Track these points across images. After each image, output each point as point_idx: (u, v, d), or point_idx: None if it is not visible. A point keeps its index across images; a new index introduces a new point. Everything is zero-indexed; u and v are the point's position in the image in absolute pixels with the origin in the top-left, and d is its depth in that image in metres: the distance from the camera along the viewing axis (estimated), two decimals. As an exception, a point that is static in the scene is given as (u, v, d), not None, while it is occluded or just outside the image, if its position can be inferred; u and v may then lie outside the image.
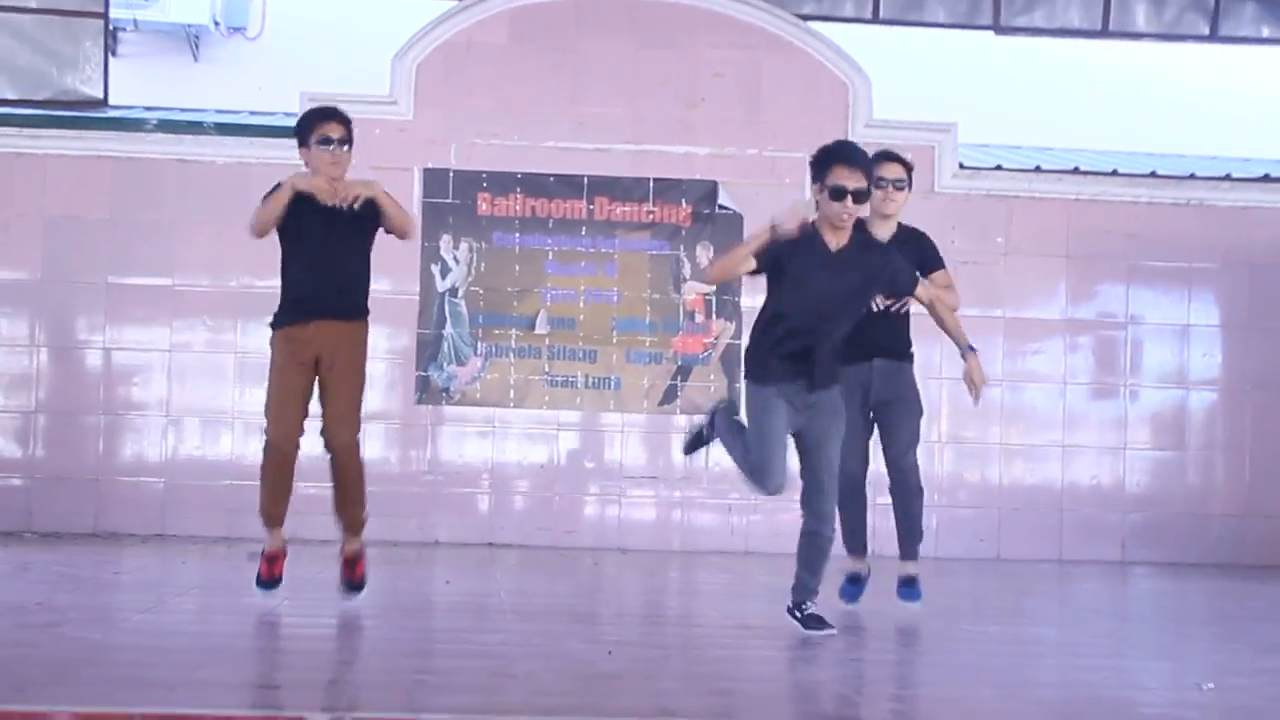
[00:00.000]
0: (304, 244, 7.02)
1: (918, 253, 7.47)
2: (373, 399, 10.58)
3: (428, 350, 10.74)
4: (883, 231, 7.42)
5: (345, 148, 6.98)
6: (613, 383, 10.91)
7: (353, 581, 7.29)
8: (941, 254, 7.65)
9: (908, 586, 7.54)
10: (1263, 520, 11.24)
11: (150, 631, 6.55)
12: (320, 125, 6.98)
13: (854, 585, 7.65)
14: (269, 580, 7.22)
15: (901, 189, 7.52)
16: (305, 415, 7.03)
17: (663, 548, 10.75)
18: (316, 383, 7.05)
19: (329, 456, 7.10)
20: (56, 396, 10.74)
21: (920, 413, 7.63)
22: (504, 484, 10.89)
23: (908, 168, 7.58)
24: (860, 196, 6.52)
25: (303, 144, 7.03)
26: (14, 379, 10.72)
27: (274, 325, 7.13)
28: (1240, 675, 6.32)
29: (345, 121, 7.02)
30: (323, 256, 7.00)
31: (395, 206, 7.05)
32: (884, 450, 7.57)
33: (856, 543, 7.60)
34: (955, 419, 11.05)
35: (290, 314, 7.05)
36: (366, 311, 7.18)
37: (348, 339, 7.06)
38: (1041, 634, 7.56)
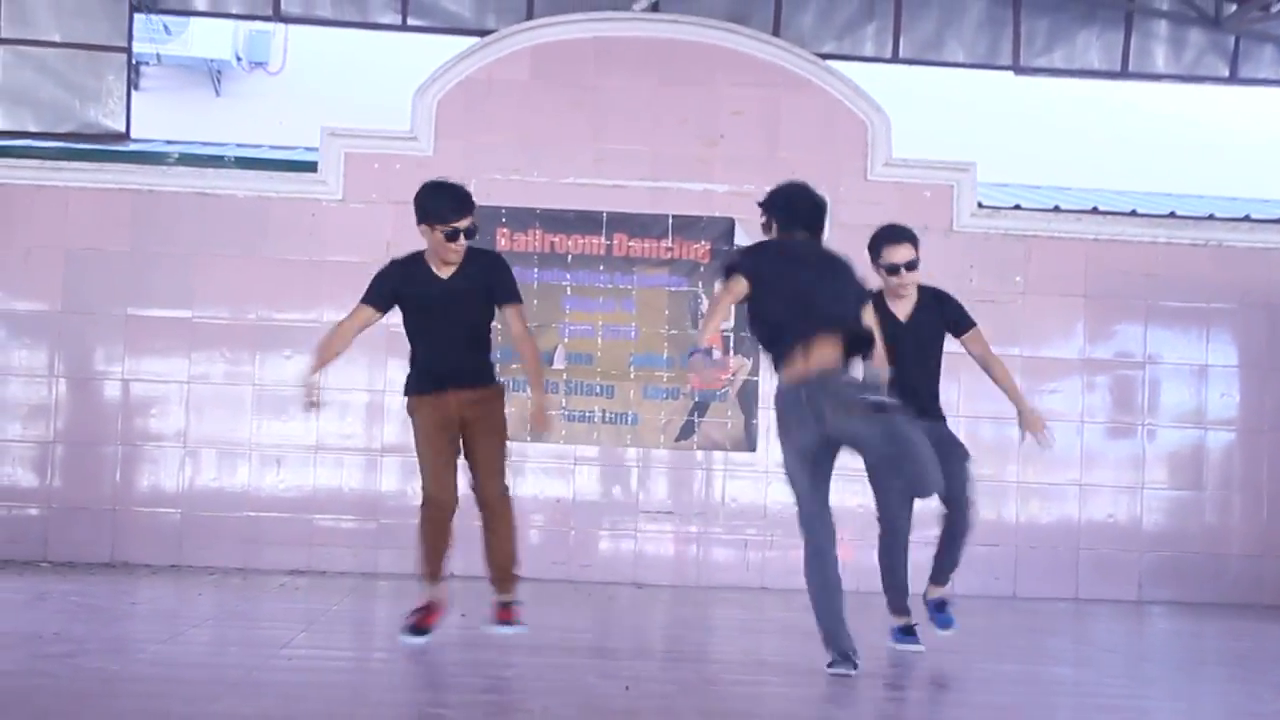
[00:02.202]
0: (428, 319, 7.21)
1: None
2: (389, 433, 10.66)
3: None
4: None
5: (468, 240, 7.17)
6: (630, 418, 10.92)
7: (508, 621, 7.37)
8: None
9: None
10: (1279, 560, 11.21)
11: (167, 663, 6.56)
12: (454, 218, 7.09)
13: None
14: (421, 629, 7.28)
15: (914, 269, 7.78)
16: (457, 472, 7.24)
17: (678, 583, 10.74)
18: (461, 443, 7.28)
19: (482, 511, 7.28)
20: (74, 427, 10.77)
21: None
22: (520, 518, 10.73)
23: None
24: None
25: (427, 222, 7.14)
26: (32, 409, 10.76)
27: (411, 392, 7.28)
28: (1257, 717, 6.31)
29: (474, 210, 7.20)
30: (447, 331, 7.20)
31: (537, 366, 7.42)
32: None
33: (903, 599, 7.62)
34: (974, 457, 11.02)
35: (427, 384, 7.21)
36: (495, 376, 7.41)
37: (483, 402, 7.24)
38: (1058, 673, 7.54)
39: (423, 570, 7.34)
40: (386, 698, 6.05)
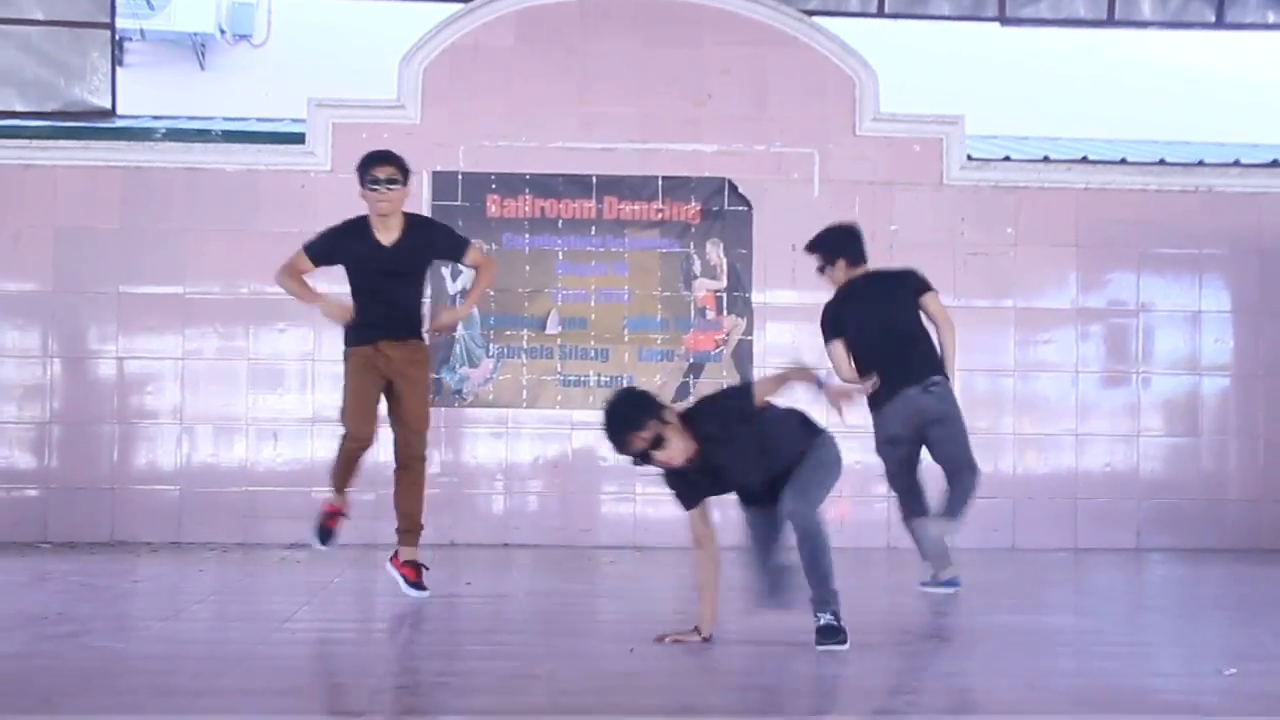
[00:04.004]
0: (368, 281, 7.69)
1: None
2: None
3: (440, 353, 10.73)
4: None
5: (393, 187, 7.58)
6: (625, 381, 10.92)
7: (415, 582, 7.77)
8: None
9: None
10: (1277, 505, 11.22)
11: (171, 639, 6.58)
12: (371, 167, 7.61)
13: None
14: (327, 530, 7.91)
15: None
16: (376, 415, 7.73)
17: (678, 545, 10.73)
18: (387, 395, 7.78)
19: (399, 467, 7.83)
20: (70, 407, 10.77)
21: None
22: (518, 484, 10.91)
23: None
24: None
25: (361, 184, 7.62)
26: (27, 390, 10.74)
27: (349, 344, 7.77)
28: (1260, 660, 6.33)
29: (395, 162, 7.64)
30: (381, 287, 7.67)
31: (484, 287, 8.20)
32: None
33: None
34: (967, 410, 11.01)
35: (361, 336, 7.70)
36: (421, 335, 7.88)
37: (410, 359, 7.74)
38: (1059, 623, 7.57)
39: (334, 483, 7.91)
40: (391, 667, 6.07)
